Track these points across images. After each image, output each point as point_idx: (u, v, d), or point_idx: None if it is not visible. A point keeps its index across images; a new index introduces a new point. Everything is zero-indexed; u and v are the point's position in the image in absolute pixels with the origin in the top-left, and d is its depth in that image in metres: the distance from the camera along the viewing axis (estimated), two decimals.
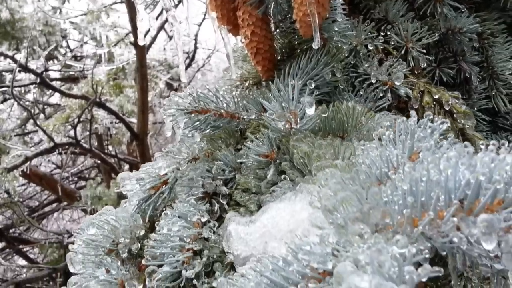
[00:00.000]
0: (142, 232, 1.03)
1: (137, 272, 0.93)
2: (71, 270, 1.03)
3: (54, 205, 8.69)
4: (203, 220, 0.99)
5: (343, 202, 0.69)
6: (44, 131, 4.80)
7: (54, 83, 7.20)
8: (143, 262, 0.91)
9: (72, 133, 5.74)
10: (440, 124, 0.75)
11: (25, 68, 4.60)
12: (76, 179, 9.24)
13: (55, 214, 9.40)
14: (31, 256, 7.55)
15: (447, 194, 0.64)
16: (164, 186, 1.11)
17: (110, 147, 8.88)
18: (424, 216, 0.64)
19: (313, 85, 1.14)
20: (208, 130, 1.25)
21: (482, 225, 0.58)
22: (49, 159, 9.01)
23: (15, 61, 4.12)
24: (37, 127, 7.90)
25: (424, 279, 0.59)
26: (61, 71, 5.71)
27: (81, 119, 5.40)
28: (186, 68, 7.74)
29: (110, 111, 5.40)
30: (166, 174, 1.11)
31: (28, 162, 4.72)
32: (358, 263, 0.57)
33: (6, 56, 5.01)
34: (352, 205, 0.68)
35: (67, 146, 5.52)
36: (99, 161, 7.76)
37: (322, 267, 0.68)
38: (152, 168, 1.12)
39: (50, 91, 8.63)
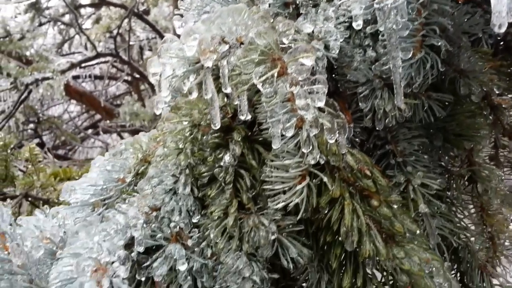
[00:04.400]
0: None
1: None
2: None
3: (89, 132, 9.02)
4: None
5: None
6: (88, 38, 4.95)
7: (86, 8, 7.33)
8: None
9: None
10: None
11: None
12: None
13: (89, 143, 9.77)
14: None
15: None
16: None
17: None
18: None
19: None
20: None
21: None
22: (83, 83, 9.25)
23: None
24: (72, 50, 8.09)
25: None
26: None
27: (119, 32, 5.52)
28: None
29: (147, 23, 5.50)
30: None
31: (74, 68, 4.92)
32: None
33: None
34: None
35: (108, 57, 5.68)
36: (131, 86, 7.97)
37: None
38: None
39: (81, 20, 8.79)
